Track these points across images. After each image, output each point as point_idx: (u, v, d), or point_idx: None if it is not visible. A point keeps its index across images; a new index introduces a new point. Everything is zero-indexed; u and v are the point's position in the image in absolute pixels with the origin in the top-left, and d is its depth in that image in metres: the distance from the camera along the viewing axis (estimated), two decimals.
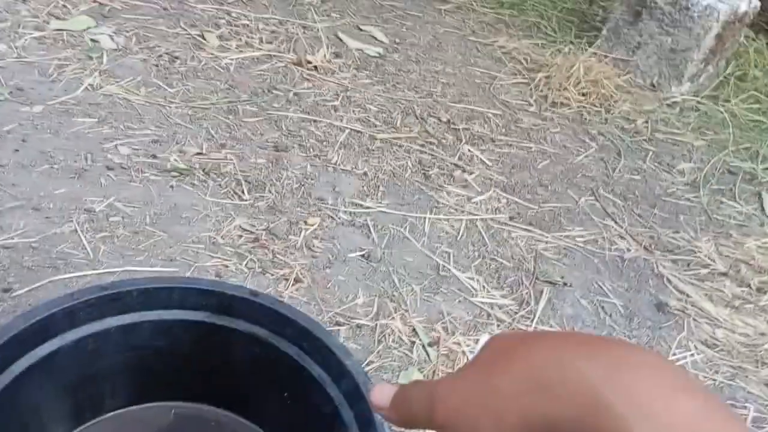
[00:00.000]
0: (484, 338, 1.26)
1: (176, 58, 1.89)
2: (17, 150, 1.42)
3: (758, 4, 2.50)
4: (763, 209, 1.96)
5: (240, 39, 2.08)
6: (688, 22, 2.41)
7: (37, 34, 1.79)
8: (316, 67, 2.06)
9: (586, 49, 2.56)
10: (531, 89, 2.30)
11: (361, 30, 2.37)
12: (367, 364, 1.16)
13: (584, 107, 2.26)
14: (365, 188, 1.63)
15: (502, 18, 2.79)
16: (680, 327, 1.48)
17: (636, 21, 2.54)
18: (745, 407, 1.32)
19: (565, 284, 1.50)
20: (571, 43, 2.67)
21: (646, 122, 2.29)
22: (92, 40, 1.84)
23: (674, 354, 1.40)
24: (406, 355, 1.22)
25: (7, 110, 1.52)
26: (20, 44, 1.73)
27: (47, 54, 1.74)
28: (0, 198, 1.30)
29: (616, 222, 1.77)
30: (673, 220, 1.84)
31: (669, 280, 1.61)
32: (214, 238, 1.35)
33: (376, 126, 1.88)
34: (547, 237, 1.64)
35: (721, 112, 2.44)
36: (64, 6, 1.93)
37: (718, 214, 1.91)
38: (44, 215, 1.29)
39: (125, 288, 0.80)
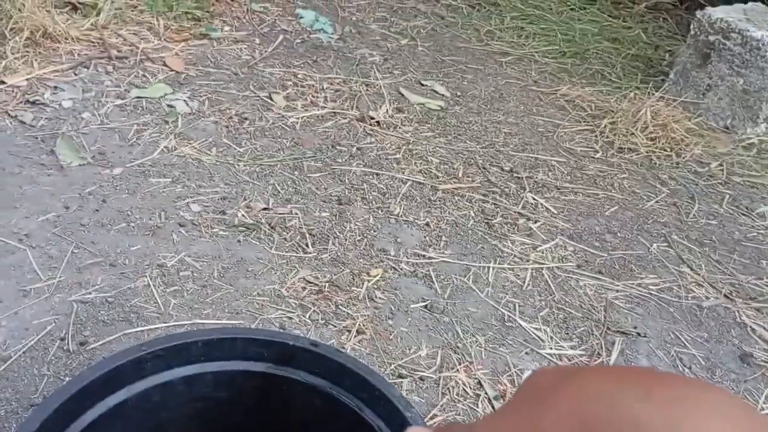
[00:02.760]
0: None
1: (245, 119, 1.98)
2: (97, 210, 1.51)
3: None
4: None
5: (305, 98, 2.16)
6: (759, 62, 2.33)
7: (118, 102, 1.92)
8: (378, 122, 2.11)
9: (653, 94, 2.52)
10: (596, 135, 2.27)
11: (422, 85, 2.42)
12: (431, 418, 1.14)
13: (653, 152, 2.21)
14: (427, 239, 1.63)
15: (565, 67, 2.79)
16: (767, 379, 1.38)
17: (705, 63, 2.48)
18: None
19: (638, 334, 1.43)
20: (637, 88, 2.63)
21: (721, 165, 2.21)
22: (168, 105, 1.95)
23: (763, 409, 1.31)
24: (471, 408, 1.19)
25: (89, 173, 1.62)
26: (103, 112, 1.85)
27: (127, 120, 1.85)
28: (80, 255, 1.37)
29: (692, 269, 1.69)
30: (754, 266, 1.75)
31: (753, 330, 1.51)
32: (279, 290, 1.37)
33: (437, 177, 1.89)
34: (617, 285, 1.58)
35: None
36: (144, 75, 2.07)
37: None
38: (120, 271, 1.35)
39: (189, 339, 0.83)
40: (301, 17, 2.71)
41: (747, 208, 2.01)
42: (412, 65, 2.56)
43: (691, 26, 2.52)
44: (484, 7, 3.19)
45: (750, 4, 2.62)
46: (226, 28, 2.49)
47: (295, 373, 0.86)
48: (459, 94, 2.42)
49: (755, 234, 1.89)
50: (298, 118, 2.04)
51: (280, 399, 0.87)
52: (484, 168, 1.98)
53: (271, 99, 2.12)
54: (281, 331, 1.24)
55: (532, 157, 2.08)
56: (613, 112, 2.38)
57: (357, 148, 1.95)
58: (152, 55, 2.16)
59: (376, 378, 0.83)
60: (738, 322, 1.53)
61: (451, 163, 1.97)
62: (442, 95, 2.38)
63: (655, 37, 3.21)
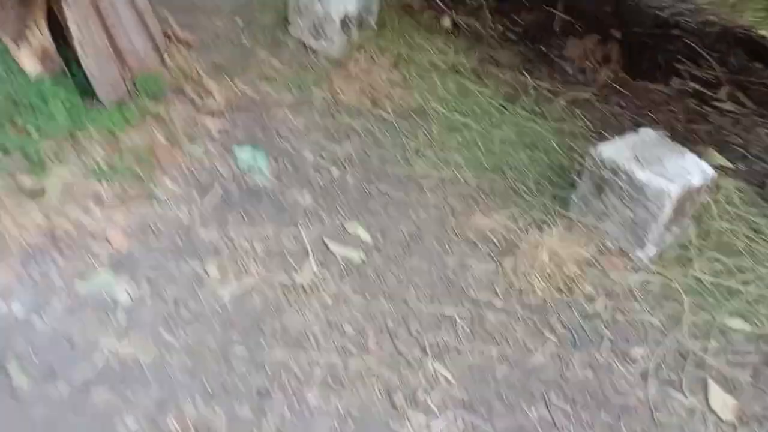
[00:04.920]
0: None
1: (180, 303, 2.24)
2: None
3: (713, 174, 2.70)
4: (707, 401, 2.14)
5: (237, 264, 2.43)
6: (644, 200, 2.62)
7: (66, 301, 2.17)
8: (303, 286, 2.38)
9: (560, 215, 2.80)
10: (500, 276, 2.55)
11: (346, 230, 2.69)
12: None
13: (548, 293, 2.49)
14: (337, 425, 1.92)
15: (483, 187, 3.05)
16: None
17: (599, 194, 2.77)
18: None
19: None
20: (545, 209, 2.90)
21: (607, 301, 2.50)
22: (111, 299, 2.21)
23: None
24: None
25: (36, 394, 1.89)
26: (51, 317, 2.11)
27: (73, 323, 2.11)
28: None
29: None
30: (616, 426, 2.05)
31: None
32: None
33: (351, 352, 2.17)
34: None
35: (684, 276, 2.63)
36: (89, 258, 2.32)
37: (662, 411, 2.11)
38: None
39: None
40: (238, 158, 2.96)
41: (623, 353, 2.32)
42: (341, 203, 2.83)
43: (586, 160, 2.80)
44: (414, 118, 3.45)
45: (641, 132, 2.90)
46: (167, 181, 2.74)
47: None
48: (380, 238, 2.68)
49: (624, 385, 2.19)
50: (228, 293, 2.30)
51: None
52: (394, 335, 2.26)
53: (206, 271, 2.38)
54: None
55: (438, 315, 2.37)
56: (517, 247, 2.66)
57: (280, 325, 2.23)
58: (96, 233, 2.42)
59: None
60: None
61: (365, 331, 2.26)
62: (364, 243, 2.65)
63: (572, 138, 3.48)
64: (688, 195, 2.65)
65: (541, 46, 4.26)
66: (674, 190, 2.57)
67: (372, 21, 3.99)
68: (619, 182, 2.68)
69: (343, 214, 2.77)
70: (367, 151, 3.18)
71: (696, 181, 2.64)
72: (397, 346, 2.22)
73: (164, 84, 3.19)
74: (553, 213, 2.90)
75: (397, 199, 2.91)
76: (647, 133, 2.91)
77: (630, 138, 2.86)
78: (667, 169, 2.65)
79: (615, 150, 2.76)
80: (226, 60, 3.61)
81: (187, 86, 3.28)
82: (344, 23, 3.80)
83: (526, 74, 3.99)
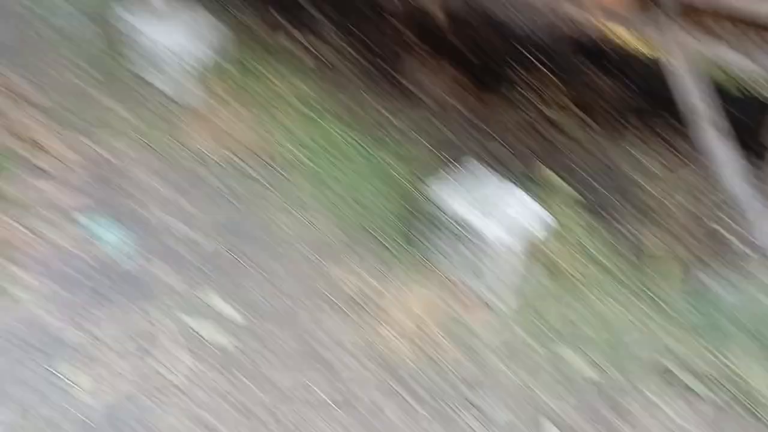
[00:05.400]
0: None
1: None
2: None
3: (549, 218, 2.93)
4: None
5: (97, 367, 2.32)
6: (488, 252, 2.81)
7: None
8: (173, 383, 2.34)
9: (418, 265, 2.93)
10: (369, 345, 2.65)
11: (216, 311, 2.65)
12: None
13: (414, 359, 2.63)
14: None
15: (350, 241, 3.11)
16: None
17: (450, 241, 2.91)
18: None
19: None
20: (410, 261, 3.02)
21: (470, 364, 2.67)
22: None
23: None
24: None
25: None
26: None
27: None
28: None
29: None
30: None
31: None
32: None
33: None
34: None
35: (540, 326, 2.86)
36: None
37: None
38: None
39: None
40: (96, 236, 2.80)
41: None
42: (209, 279, 2.77)
43: (429, 208, 2.92)
44: (277, 170, 3.41)
45: (470, 169, 3.05)
46: (25, 277, 2.55)
47: None
48: (251, 316, 2.66)
49: None
50: (90, 397, 2.20)
51: None
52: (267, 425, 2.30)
53: (62, 372, 2.27)
54: None
55: (308, 402, 2.42)
56: (383, 310, 2.77)
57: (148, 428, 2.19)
58: None
59: None
60: None
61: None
62: (235, 323, 2.63)
63: (415, 164, 3.55)
64: (532, 243, 2.87)
65: (394, 72, 4.31)
66: (515, 244, 2.77)
67: (221, 57, 3.86)
68: (463, 234, 2.83)
69: (212, 291, 2.73)
70: (235, 215, 3.13)
71: (535, 229, 2.85)
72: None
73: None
74: (404, 260, 3.00)
75: (269, 268, 2.90)
76: (476, 170, 3.05)
77: (463, 178, 2.98)
78: (506, 219, 2.81)
79: (451, 195, 2.88)
80: (66, 111, 3.35)
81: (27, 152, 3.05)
82: (183, 59, 3.63)
83: (381, 108, 4.03)
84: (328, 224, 3.15)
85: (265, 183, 3.32)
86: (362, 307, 2.80)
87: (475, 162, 3.16)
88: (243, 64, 3.91)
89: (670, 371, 2.73)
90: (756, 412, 2.62)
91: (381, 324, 2.70)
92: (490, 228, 2.78)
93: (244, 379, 2.43)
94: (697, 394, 2.66)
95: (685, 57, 2.90)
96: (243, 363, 2.49)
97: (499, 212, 2.85)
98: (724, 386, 2.66)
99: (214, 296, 2.70)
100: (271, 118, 3.67)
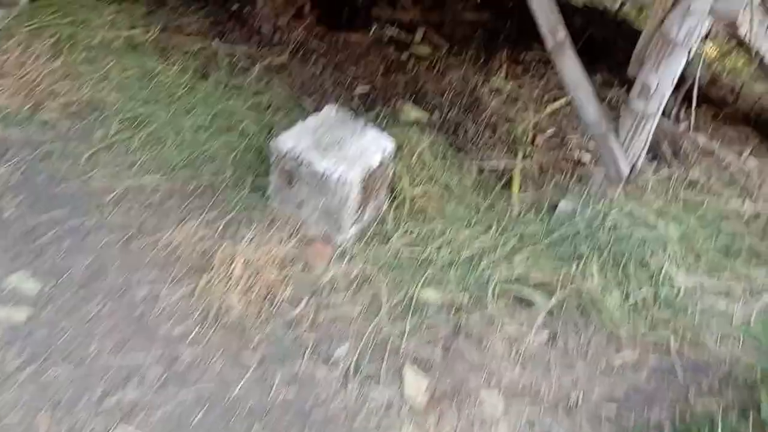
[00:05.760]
0: None
1: None
2: None
3: (392, 146, 2.72)
4: (402, 390, 2.23)
5: None
6: (329, 189, 2.57)
7: None
8: None
9: (260, 208, 2.68)
10: (195, 302, 2.38)
11: (6, 287, 2.30)
12: None
13: (247, 310, 2.38)
14: None
15: (175, 188, 2.80)
16: None
17: (291, 185, 2.67)
18: None
19: None
20: (245, 205, 2.75)
21: (309, 302, 2.46)
22: None
23: None
24: None
25: None
26: None
27: None
28: None
29: None
30: None
31: None
32: None
33: None
34: None
35: (385, 255, 2.67)
36: None
37: (361, 414, 2.15)
38: None
39: None
40: None
41: (326, 355, 2.31)
42: (1, 249, 2.41)
43: (270, 154, 2.66)
44: (85, 117, 3.02)
45: (324, 112, 2.82)
46: None
47: None
48: (52, 283, 2.35)
49: (324, 396, 2.19)
50: None
51: None
52: (70, 410, 2.00)
53: None
54: None
55: (125, 367, 2.15)
56: (212, 261, 2.49)
57: None
58: None
59: None
60: None
61: (34, 417, 1.97)
62: (31, 296, 2.29)
63: (273, 112, 3.31)
64: (372, 175, 2.65)
65: (233, 5, 3.95)
66: (354, 176, 2.55)
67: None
68: (305, 173, 2.60)
69: (5, 265, 2.36)
70: (32, 167, 2.74)
71: (376, 160, 2.64)
72: (76, 425, 1.98)
73: None
74: (253, 208, 2.76)
75: (72, 227, 2.56)
76: (330, 113, 2.83)
77: (312, 120, 2.77)
78: (347, 154, 2.61)
79: (296, 138, 2.65)
80: None
81: None
82: None
83: (216, 41, 3.68)
84: (158, 175, 2.81)
85: (74, 136, 2.92)
86: (190, 263, 2.50)
87: (333, 105, 2.87)
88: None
89: (516, 286, 2.62)
90: (587, 313, 2.57)
91: (213, 283, 2.41)
92: (333, 167, 2.53)
93: (42, 359, 2.12)
94: (536, 304, 2.57)
95: None
96: (40, 341, 2.17)
97: (344, 152, 2.61)
98: (564, 294, 2.58)
99: (9, 273, 2.34)
100: (87, 65, 3.24)
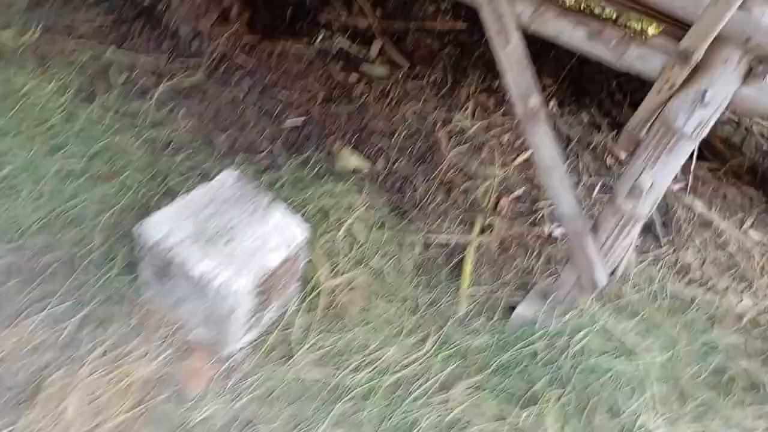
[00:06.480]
0: None
1: None
2: None
3: (303, 237, 2.07)
4: None
5: None
6: (210, 297, 1.93)
7: None
8: None
9: (130, 302, 2.04)
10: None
11: None
12: None
13: None
14: None
15: (21, 261, 2.14)
16: None
17: (164, 278, 2.02)
18: None
19: None
20: (112, 297, 2.10)
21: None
22: None
23: None
24: None
25: None
26: None
27: None
28: None
29: None
30: None
31: None
32: None
33: None
34: None
35: (285, 375, 2.05)
36: None
37: None
38: None
39: None
40: None
41: None
42: None
43: (137, 242, 2.00)
44: None
45: (219, 179, 2.16)
46: None
47: None
48: None
49: None
50: None
51: None
52: None
53: None
54: None
55: None
56: (42, 389, 1.85)
57: None
58: None
59: None
60: None
61: None
62: None
63: (171, 154, 2.63)
64: (273, 276, 2.01)
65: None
66: (243, 285, 1.90)
67: None
68: (177, 272, 1.95)
69: None
70: None
71: (276, 260, 1.99)
72: None
73: None
74: (119, 299, 2.11)
75: None
76: (226, 181, 2.16)
77: (200, 193, 2.11)
78: (237, 250, 1.96)
79: (172, 221, 1.99)
80: None
81: None
82: None
83: (113, 48, 2.95)
84: (5, 251, 2.14)
85: None
86: (20, 387, 1.86)
87: (232, 170, 2.19)
88: None
89: None
90: None
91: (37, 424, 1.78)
92: (214, 271, 1.89)
93: None
94: None
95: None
96: None
97: (235, 245, 1.96)
98: None
99: None
100: None
